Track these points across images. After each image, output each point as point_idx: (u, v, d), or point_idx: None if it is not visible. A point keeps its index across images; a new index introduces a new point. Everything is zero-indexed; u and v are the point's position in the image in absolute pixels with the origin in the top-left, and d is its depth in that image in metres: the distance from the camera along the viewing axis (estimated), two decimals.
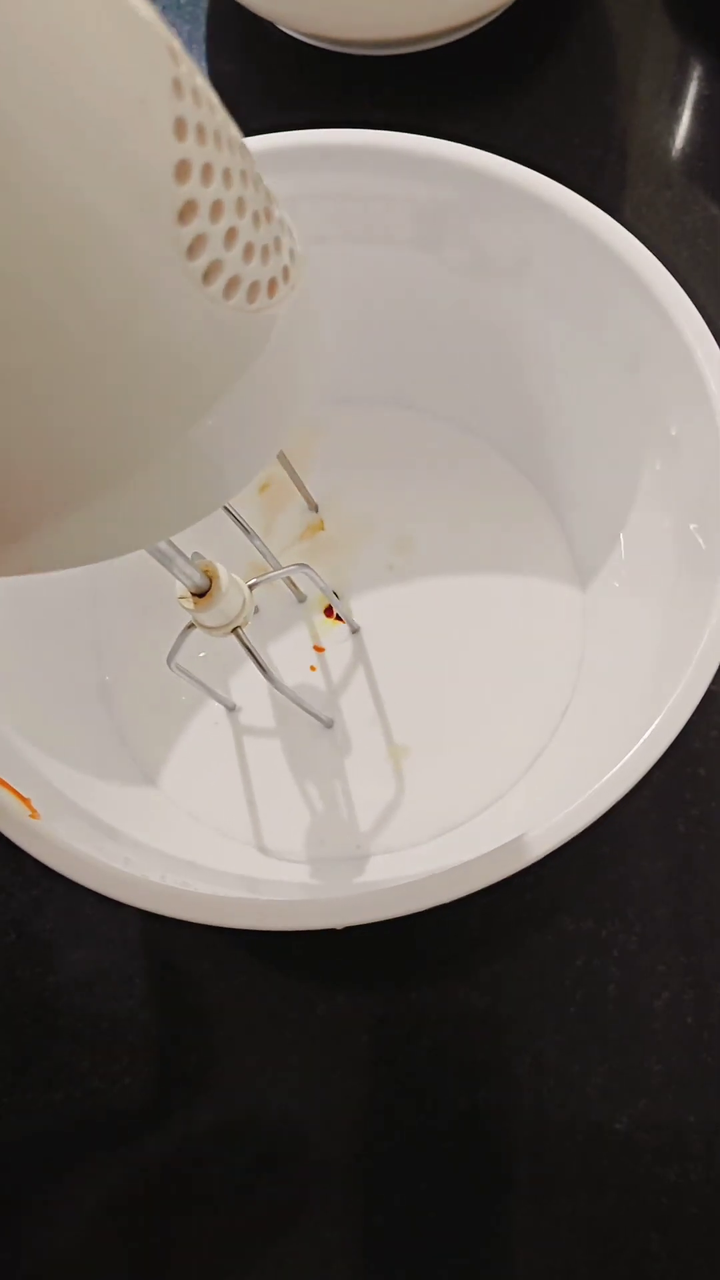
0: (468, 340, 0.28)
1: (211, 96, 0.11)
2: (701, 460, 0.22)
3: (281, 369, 0.13)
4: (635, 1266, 0.24)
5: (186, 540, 0.20)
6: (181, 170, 0.10)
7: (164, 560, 0.19)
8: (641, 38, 0.38)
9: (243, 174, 0.12)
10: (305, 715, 0.27)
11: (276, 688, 0.24)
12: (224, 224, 0.11)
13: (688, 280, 0.23)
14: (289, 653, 0.29)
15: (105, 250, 0.10)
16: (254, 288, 0.12)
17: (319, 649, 0.29)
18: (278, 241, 0.13)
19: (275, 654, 0.29)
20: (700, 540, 0.22)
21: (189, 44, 0.39)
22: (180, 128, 0.10)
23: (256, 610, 0.29)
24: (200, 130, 0.11)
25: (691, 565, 0.22)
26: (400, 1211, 0.25)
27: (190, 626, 0.23)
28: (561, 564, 0.30)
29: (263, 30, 0.39)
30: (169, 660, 0.24)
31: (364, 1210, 0.25)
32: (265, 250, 0.12)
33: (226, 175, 0.11)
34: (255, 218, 0.12)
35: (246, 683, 0.29)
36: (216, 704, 0.29)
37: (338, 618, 0.29)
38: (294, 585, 0.29)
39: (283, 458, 0.27)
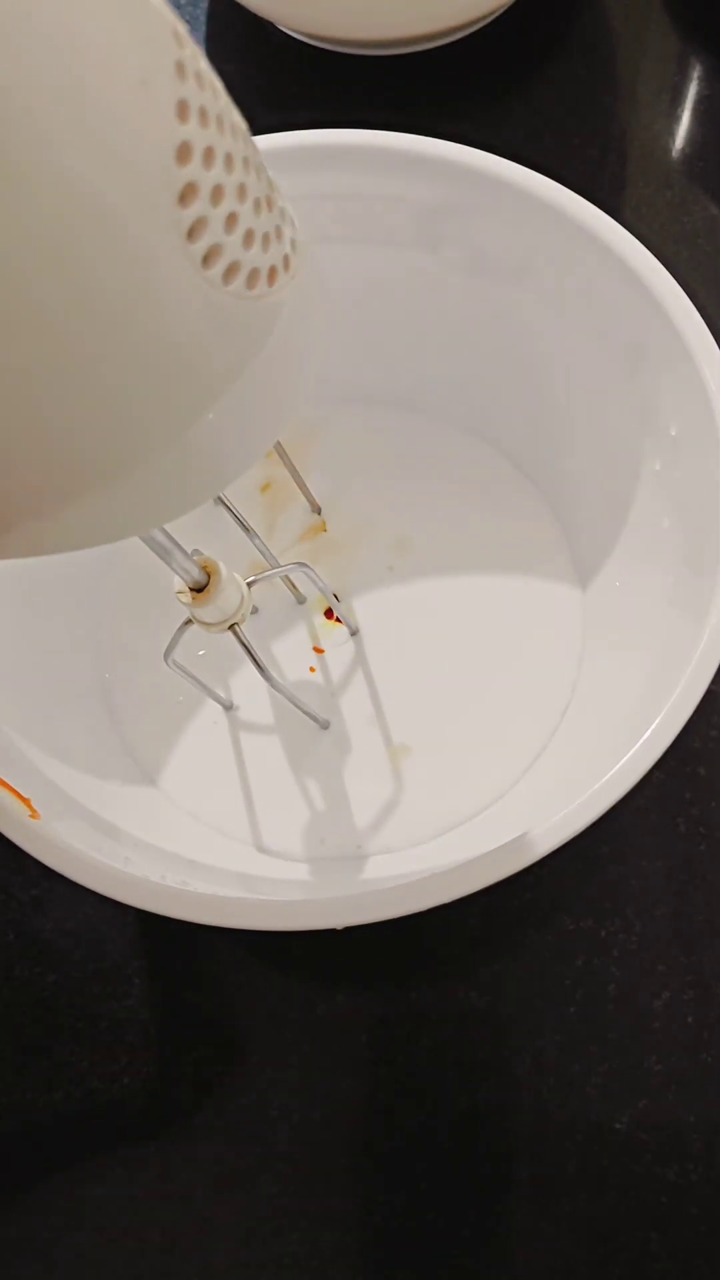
0: (468, 340, 0.28)
1: (215, 82, 0.11)
2: (701, 460, 0.22)
3: (282, 359, 0.13)
4: (635, 1266, 0.24)
5: (187, 537, 0.20)
6: (183, 152, 0.10)
7: (162, 553, 0.19)
8: (641, 38, 0.38)
9: (245, 160, 0.12)
10: (305, 717, 0.27)
11: (273, 686, 0.24)
12: (224, 208, 0.11)
13: (688, 280, 0.23)
14: (289, 653, 0.29)
15: (105, 230, 0.10)
16: (254, 274, 0.12)
17: (319, 650, 0.29)
18: (278, 230, 0.13)
19: (275, 654, 0.29)
20: (700, 540, 0.22)
21: None
22: (183, 110, 0.10)
23: (255, 610, 0.29)
24: (203, 113, 0.11)
25: (691, 565, 0.22)
26: (400, 1211, 0.25)
27: (188, 622, 0.23)
28: (561, 564, 0.30)
29: (263, 30, 0.39)
30: (166, 656, 0.24)
31: (364, 1210, 0.25)
32: (266, 237, 0.12)
33: (228, 160, 0.11)
34: (256, 204, 0.12)
35: (246, 682, 0.29)
36: (217, 703, 0.29)
37: (338, 619, 0.29)
38: (294, 586, 0.29)
39: (285, 459, 0.27)
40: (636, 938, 0.27)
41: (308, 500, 0.30)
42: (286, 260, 0.13)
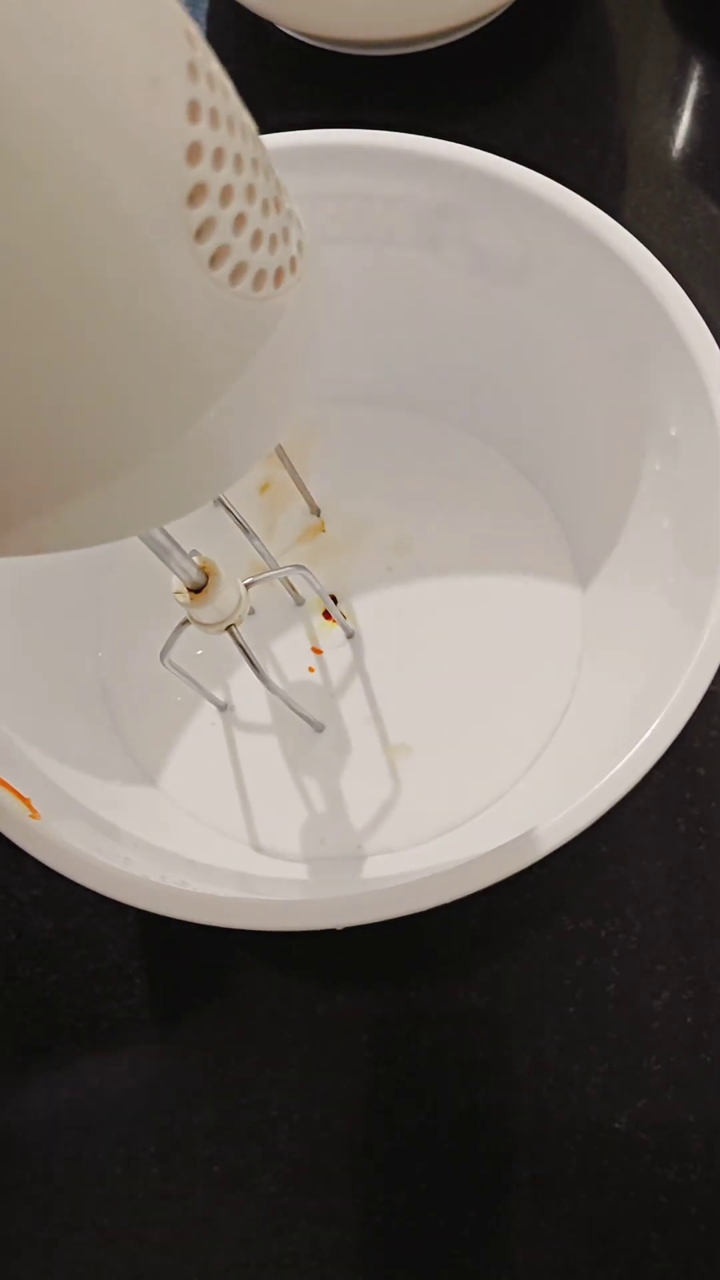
0: (468, 340, 0.28)
1: (226, 83, 0.12)
2: (701, 460, 0.22)
3: (284, 359, 0.13)
4: (635, 1266, 0.25)
5: (186, 537, 0.20)
6: (193, 152, 0.11)
7: (161, 553, 0.19)
8: (641, 38, 0.38)
9: (254, 161, 0.12)
10: (301, 718, 0.27)
11: (269, 688, 0.24)
12: (233, 209, 0.11)
13: (688, 280, 0.23)
14: (288, 653, 0.29)
15: (112, 227, 0.10)
16: (260, 275, 0.12)
17: (317, 651, 0.29)
18: (286, 232, 0.13)
19: (274, 654, 0.29)
20: (700, 540, 0.22)
21: None
22: (194, 110, 0.10)
23: (252, 611, 0.29)
24: (214, 114, 0.11)
25: (691, 565, 0.22)
26: (400, 1211, 0.25)
27: (185, 623, 0.23)
28: (561, 564, 0.30)
29: (263, 30, 0.39)
30: (162, 656, 0.24)
31: (364, 1210, 0.25)
32: (274, 239, 0.12)
33: (238, 161, 0.11)
34: (265, 206, 0.12)
35: (246, 683, 0.29)
36: (213, 705, 0.29)
37: (335, 620, 0.29)
38: (292, 588, 0.29)
39: (285, 461, 0.27)
40: (636, 938, 0.27)
41: (307, 502, 0.30)
42: (293, 262, 0.13)
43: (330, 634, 0.29)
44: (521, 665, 0.29)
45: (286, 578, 0.28)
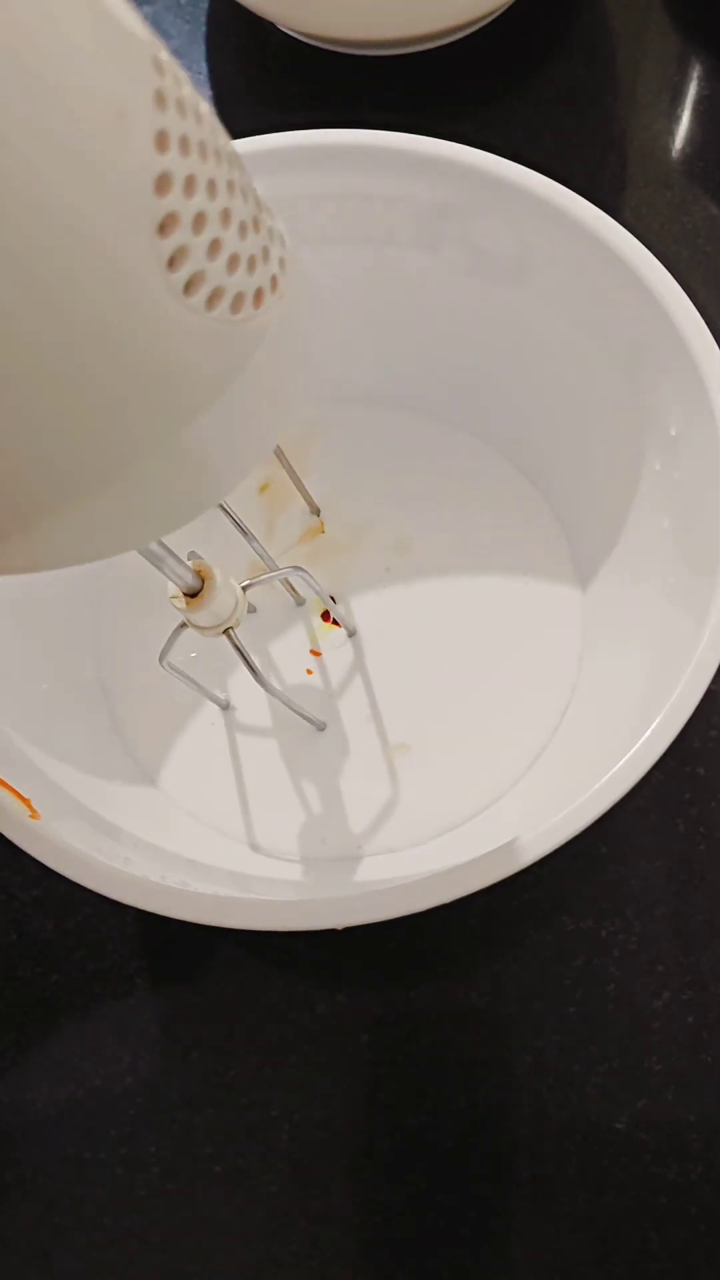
0: (467, 340, 0.28)
1: (200, 105, 0.11)
2: (701, 460, 0.22)
3: (268, 378, 0.13)
4: (635, 1266, 0.25)
5: (185, 538, 0.20)
6: (162, 183, 0.10)
7: (154, 560, 0.19)
8: (641, 38, 0.38)
9: (229, 185, 0.12)
10: (301, 718, 0.27)
11: (267, 690, 0.24)
12: (207, 236, 0.11)
13: (688, 280, 0.23)
14: (287, 655, 0.29)
15: (82, 262, 0.10)
16: (239, 299, 0.12)
17: (316, 653, 0.29)
18: (266, 251, 0.13)
19: (273, 656, 0.29)
20: (700, 540, 0.22)
21: (189, 44, 0.39)
22: (162, 140, 0.10)
23: (252, 609, 0.29)
24: (184, 142, 0.11)
25: (691, 565, 0.22)
26: (400, 1211, 0.25)
27: (182, 626, 0.23)
28: (561, 564, 0.30)
29: (263, 30, 0.39)
30: (161, 659, 0.24)
31: (364, 1210, 0.25)
32: (252, 260, 0.12)
33: (211, 187, 0.11)
34: (241, 228, 0.12)
35: (246, 683, 0.29)
36: (214, 704, 0.29)
37: (335, 622, 0.29)
38: (291, 588, 0.29)
39: (284, 461, 0.27)
40: (636, 938, 0.27)
41: (306, 501, 0.30)
42: (274, 281, 0.13)
43: (330, 635, 0.29)
44: (521, 665, 0.29)
45: (286, 579, 0.28)
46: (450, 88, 0.38)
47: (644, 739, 0.20)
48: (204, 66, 0.39)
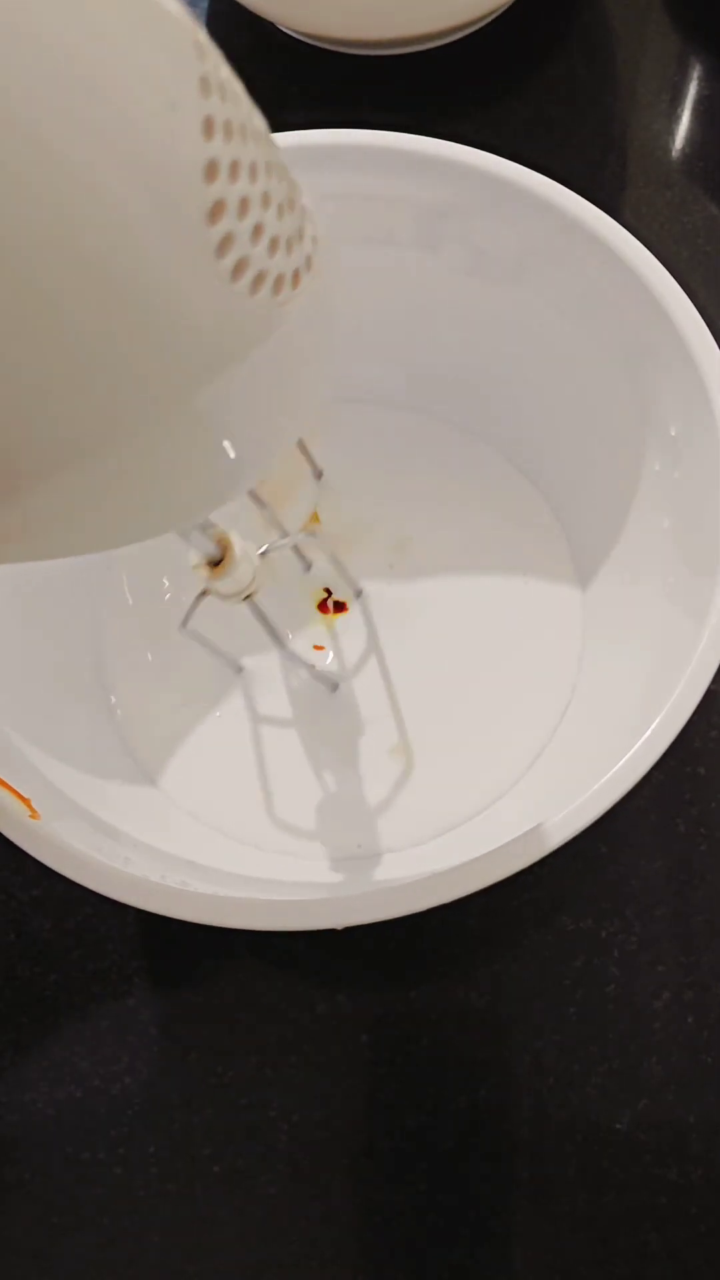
0: (468, 340, 0.28)
1: (237, 87, 0.11)
2: (701, 460, 0.22)
3: (298, 356, 0.13)
4: (635, 1266, 0.25)
5: None
6: (210, 170, 0.10)
7: (179, 530, 0.19)
8: (641, 38, 0.38)
9: (268, 166, 0.12)
10: (305, 716, 0.27)
11: (285, 654, 0.25)
12: (250, 220, 0.11)
13: (688, 280, 0.23)
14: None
15: (133, 254, 0.10)
16: (279, 281, 0.12)
17: (319, 648, 0.29)
18: (300, 230, 0.13)
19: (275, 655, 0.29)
20: (700, 540, 0.22)
21: None
22: (209, 126, 0.10)
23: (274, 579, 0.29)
24: (228, 127, 0.10)
25: (691, 565, 0.22)
26: (400, 1211, 0.25)
27: (204, 593, 0.23)
28: (561, 563, 0.30)
29: (263, 30, 0.39)
30: (183, 624, 0.24)
31: (364, 1210, 0.25)
32: (289, 242, 0.12)
33: (253, 170, 0.11)
34: (280, 210, 0.12)
35: (248, 684, 0.29)
36: (216, 704, 0.29)
37: (335, 609, 0.29)
38: (302, 555, 0.29)
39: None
40: (636, 938, 0.27)
41: (310, 465, 0.29)
42: (309, 260, 0.13)
43: (335, 623, 0.29)
44: (521, 665, 0.29)
45: (297, 546, 0.28)
46: (450, 88, 0.38)
47: (644, 739, 0.20)
48: None
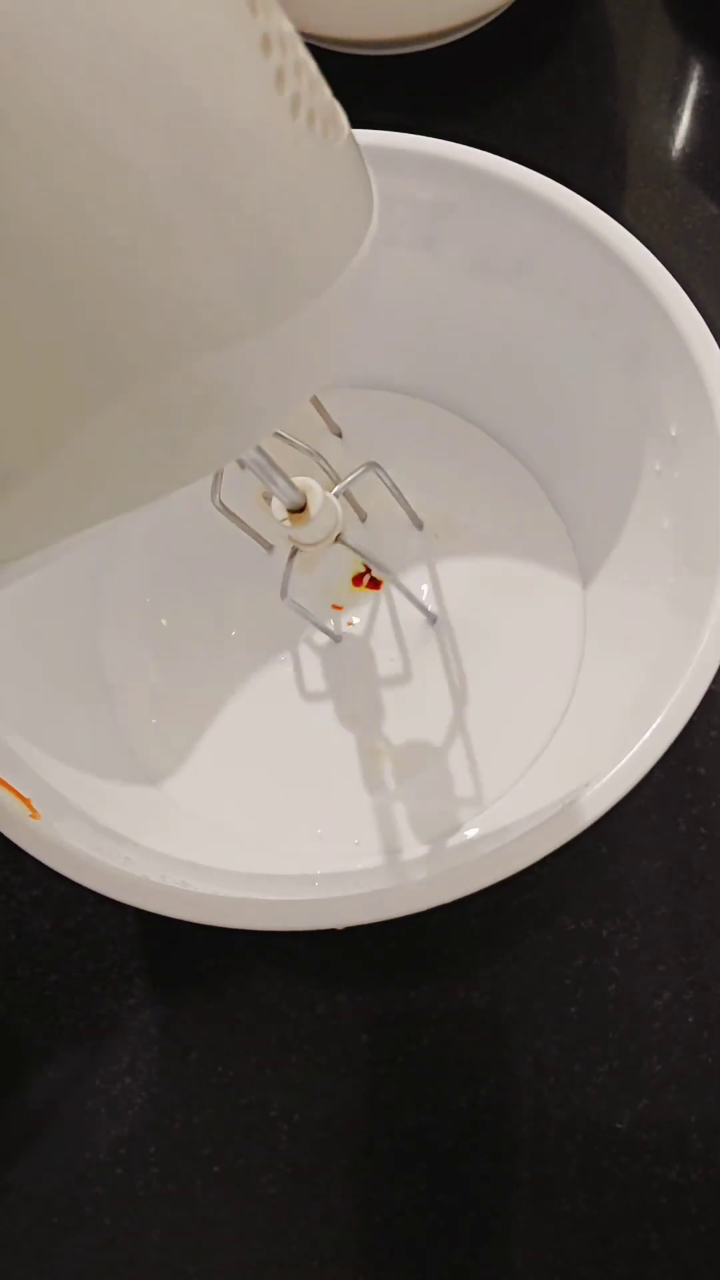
0: (468, 339, 0.28)
1: None
2: (701, 460, 0.22)
3: (339, 227, 0.14)
4: (635, 1266, 0.25)
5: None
6: (252, 6, 0.11)
7: (264, 475, 0.19)
8: (641, 38, 0.38)
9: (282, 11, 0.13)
10: (306, 716, 0.27)
11: (391, 580, 0.26)
12: (291, 55, 0.12)
13: (688, 280, 0.23)
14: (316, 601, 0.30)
15: (219, 97, 0.10)
16: (326, 120, 0.13)
17: (337, 607, 0.29)
18: (317, 82, 0.13)
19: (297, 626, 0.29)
20: (700, 540, 0.22)
21: None
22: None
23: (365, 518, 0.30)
24: None
25: (691, 565, 0.22)
26: (400, 1211, 0.25)
27: (294, 553, 0.23)
28: (564, 562, 0.30)
29: None
30: (283, 595, 0.24)
31: (364, 1210, 0.25)
32: (316, 83, 0.13)
33: (278, 11, 0.12)
34: (303, 56, 0.13)
35: (248, 685, 0.29)
36: (216, 704, 0.29)
37: (370, 584, 0.29)
38: (356, 506, 0.29)
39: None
40: (636, 938, 0.27)
41: (326, 423, 0.29)
42: (334, 112, 0.14)
43: (357, 597, 0.30)
44: (522, 665, 0.29)
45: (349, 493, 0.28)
46: (450, 88, 0.38)
47: (644, 739, 0.20)
48: None
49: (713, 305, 0.23)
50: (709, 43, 0.38)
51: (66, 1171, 0.26)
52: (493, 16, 0.37)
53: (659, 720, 0.20)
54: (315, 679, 0.29)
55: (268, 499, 0.22)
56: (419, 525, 0.30)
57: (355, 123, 0.24)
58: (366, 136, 0.24)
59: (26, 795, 0.21)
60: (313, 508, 0.21)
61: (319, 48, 0.38)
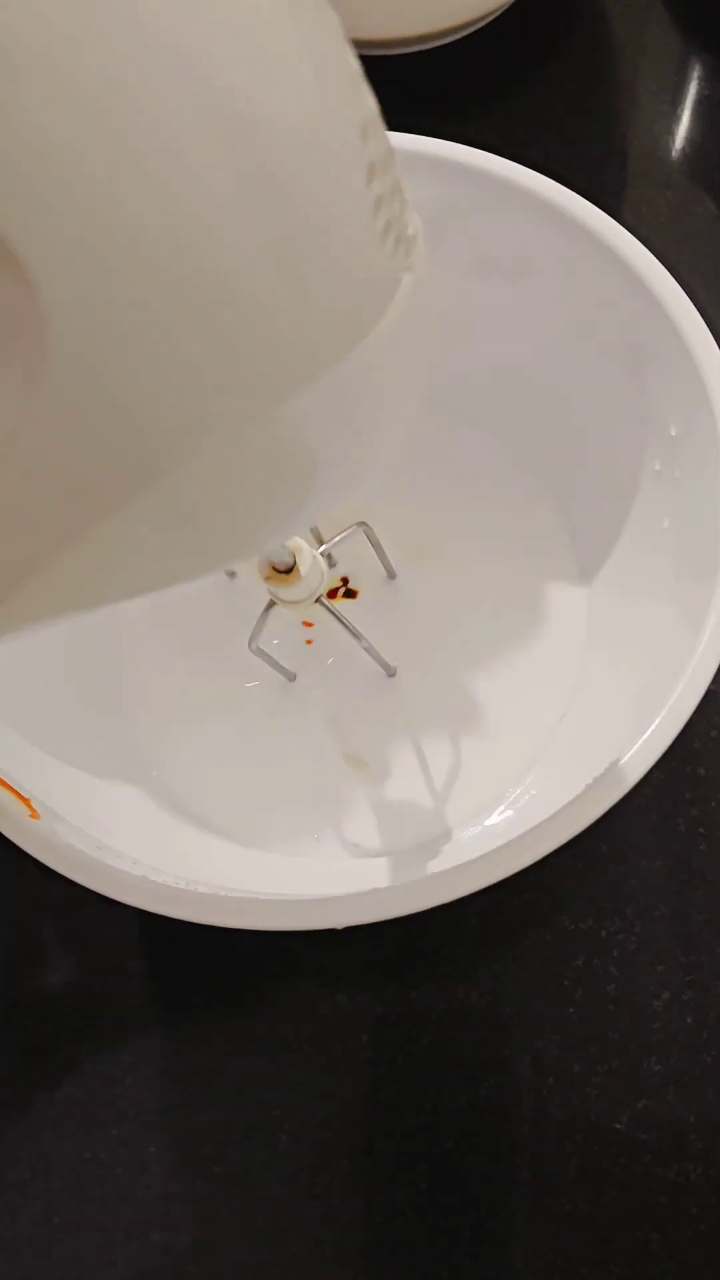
0: (468, 339, 0.28)
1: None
2: (701, 460, 0.22)
3: (400, 350, 0.13)
4: (635, 1266, 0.25)
5: None
6: (364, 130, 0.12)
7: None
8: (642, 38, 0.38)
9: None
10: (306, 718, 0.27)
11: (364, 646, 0.26)
12: (390, 179, 0.12)
13: (688, 280, 0.23)
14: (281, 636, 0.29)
15: (328, 211, 0.11)
16: (413, 243, 0.13)
17: (308, 624, 0.29)
18: (405, 201, 0.14)
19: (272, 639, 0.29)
20: (700, 540, 0.22)
21: None
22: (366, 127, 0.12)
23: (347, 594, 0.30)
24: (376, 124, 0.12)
25: (691, 565, 0.22)
26: (400, 1211, 0.25)
27: (270, 606, 0.23)
28: (564, 563, 0.30)
29: None
30: (250, 643, 0.24)
31: (365, 1210, 0.25)
32: (405, 206, 0.13)
33: (382, 139, 0.12)
34: (397, 178, 0.13)
35: (249, 685, 0.29)
36: (218, 704, 0.29)
37: (346, 595, 0.29)
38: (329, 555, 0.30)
39: None
40: (636, 938, 0.27)
41: None
42: (416, 235, 0.14)
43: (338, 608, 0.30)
44: (522, 665, 0.29)
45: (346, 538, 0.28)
46: (450, 88, 0.38)
47: (644, 739, 0.20)
48: None
49: (713, 305, 0.23)
50: (709, 43, 0.38)
51: (66, 1171, 0.26)
52: (493, 16, 0.37)
53: (659, 720, 0.20)
54: (316, 682, 0.29)
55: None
56: (392, 576, 0.30)
57: None
58: None
59: (26, 795, 0.21)
60: (302, 568, 0.22)
61: None
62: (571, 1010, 0.26)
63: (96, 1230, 0.25)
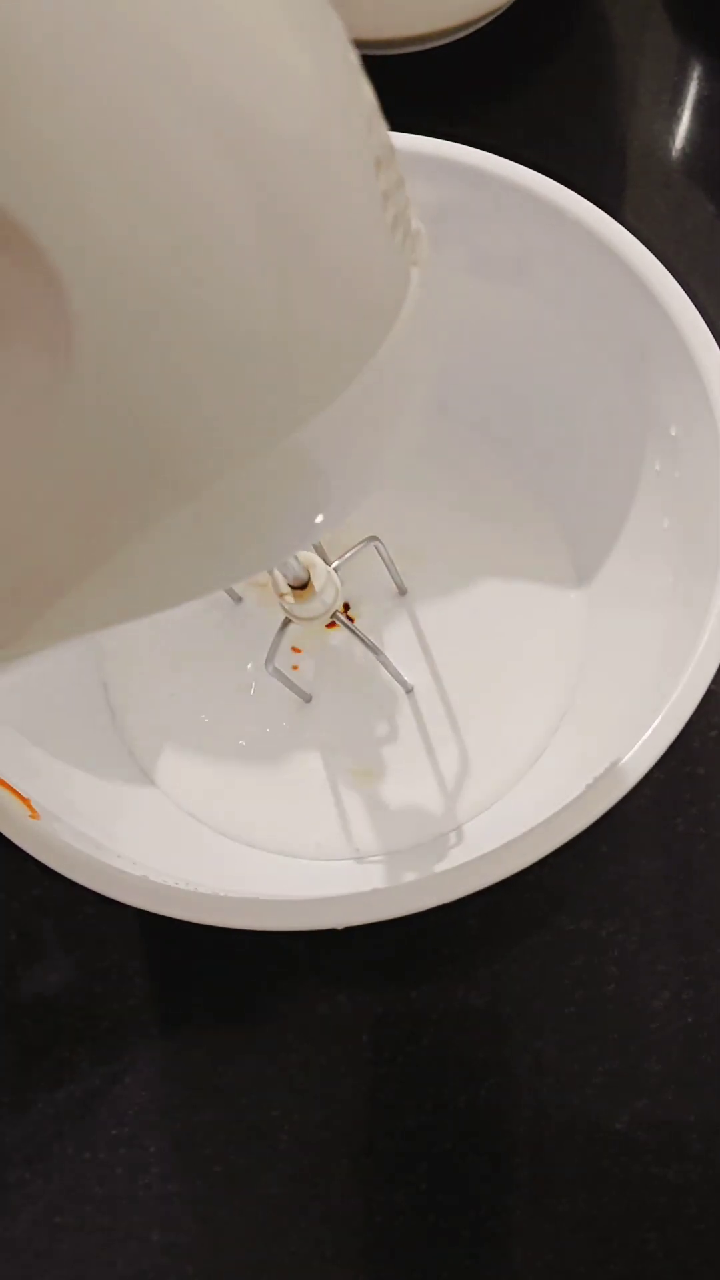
0: (467, 340, 0.28)
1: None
2: (701, 460, 0.22)
3: (409, 352, 0.13)
4: (634, 1266, 0.25)
5: None
6: (370, 123, 0.12)
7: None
8: (641, 38, 0.38)
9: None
10: (306, 718, 0.27)
11: (383, 663, 0.26)
12: (394, 174, 0.12)
13: (688, 280, 0.23)
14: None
15: (334, 195, 0.11)
16: (417, 237, 0.13)
17: (297, 650, 0.29)
18: (407, 196, 0.14)
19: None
20: (700, 540, 0.22)
21: None
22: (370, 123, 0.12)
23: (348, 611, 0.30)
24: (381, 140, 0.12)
25: (691, 565, 0.22)
26: (400, 1211, 0.25)
27: (286, 623, 0.23)
28: (562, 564, 0.30)
29: None
30: (267, 664, 0.24)
31: (365, 1210, 0.25)
32: (408, 201, 0.13)
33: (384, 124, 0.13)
34: (399, 173, 0.13)
35: (249, 686, 0.29)
36: (215, 704, 0.29)
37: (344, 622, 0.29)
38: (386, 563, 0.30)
39: None
40: (636, 938, 0.27)
41: None
42: (420, 232, 0.14)
43: (326, 636, 0.29)
44: (522, 666, 0.29)
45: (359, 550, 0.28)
46: (450, 88, 0.38)
47: (644, 739, 0.20)
48: None
49: (713, 305, 0.23)
50: (709, 43, 0.38)
51: (66, 1171, 0.26)
52: (493, 16, 0.37)
53: (658, 720, 0.20)
54: (316, 683, 0.29)
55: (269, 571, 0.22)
56: (403, 593, 0.30)
57: None
58: None
59: (26, 795, 0.21)
60: (316, 583, 0.21)
61: None
62: (571, 1010, 0.26)
63: (96, 1230, 0.25)
